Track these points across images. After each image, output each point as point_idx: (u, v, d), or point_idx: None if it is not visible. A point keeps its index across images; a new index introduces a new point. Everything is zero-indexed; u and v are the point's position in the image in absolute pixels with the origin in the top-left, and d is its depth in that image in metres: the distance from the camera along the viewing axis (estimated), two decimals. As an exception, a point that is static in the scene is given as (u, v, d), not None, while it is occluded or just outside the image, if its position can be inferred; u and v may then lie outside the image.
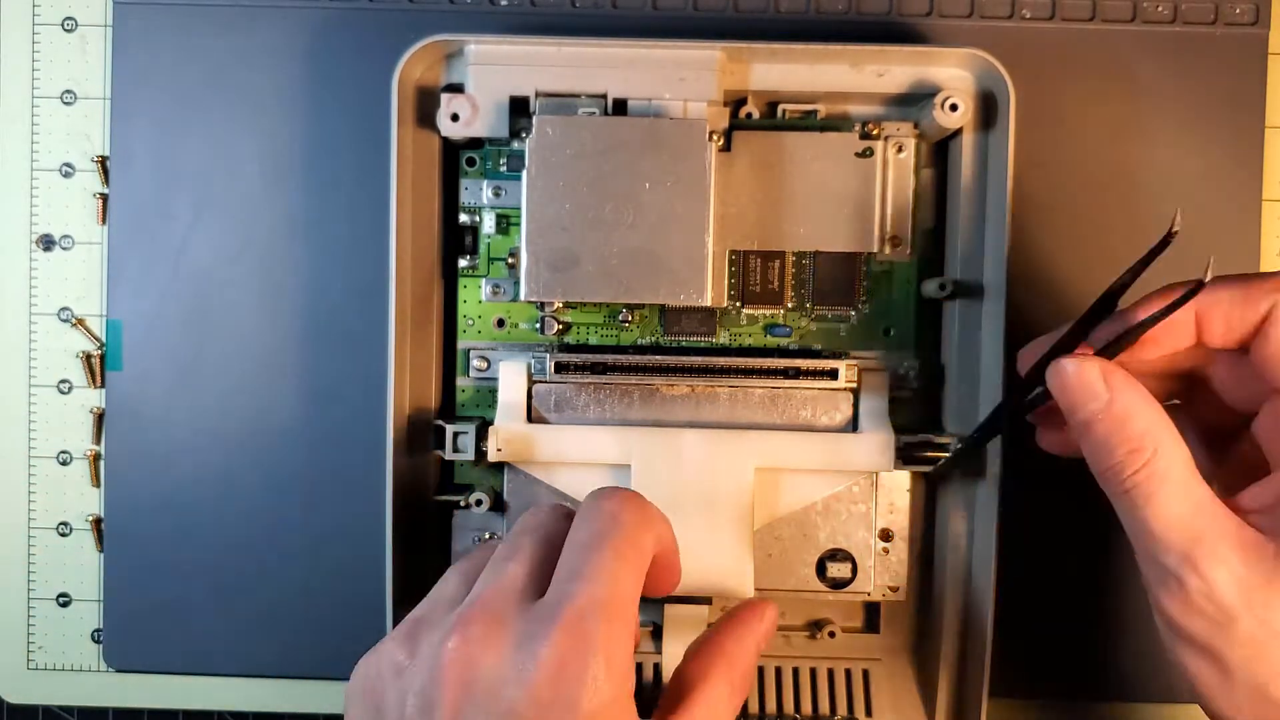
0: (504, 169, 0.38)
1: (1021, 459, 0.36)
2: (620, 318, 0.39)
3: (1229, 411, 0.31)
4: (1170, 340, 0.29)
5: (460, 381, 0.39)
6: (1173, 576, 0.27)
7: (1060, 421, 0.31)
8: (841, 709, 0.40)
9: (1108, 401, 0.28)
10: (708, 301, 0.35)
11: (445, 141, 0.38)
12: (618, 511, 0.29)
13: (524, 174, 0.35)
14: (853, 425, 0.37)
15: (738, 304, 0.39)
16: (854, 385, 0.37)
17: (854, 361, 0.38)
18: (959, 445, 0.36)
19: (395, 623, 0.36)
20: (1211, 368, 0.31)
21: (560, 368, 0.37)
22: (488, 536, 0.38)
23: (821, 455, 0.36)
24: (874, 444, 0.36)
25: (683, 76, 0.36)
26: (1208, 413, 0.32)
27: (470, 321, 0.39)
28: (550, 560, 0.29)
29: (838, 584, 0.38)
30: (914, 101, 0.38)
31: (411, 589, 0.38)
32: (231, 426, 0.40)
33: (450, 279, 0.39)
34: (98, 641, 0.42)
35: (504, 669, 0.26)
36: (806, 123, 0.39)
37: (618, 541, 0.28)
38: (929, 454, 0.37)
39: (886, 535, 0.38)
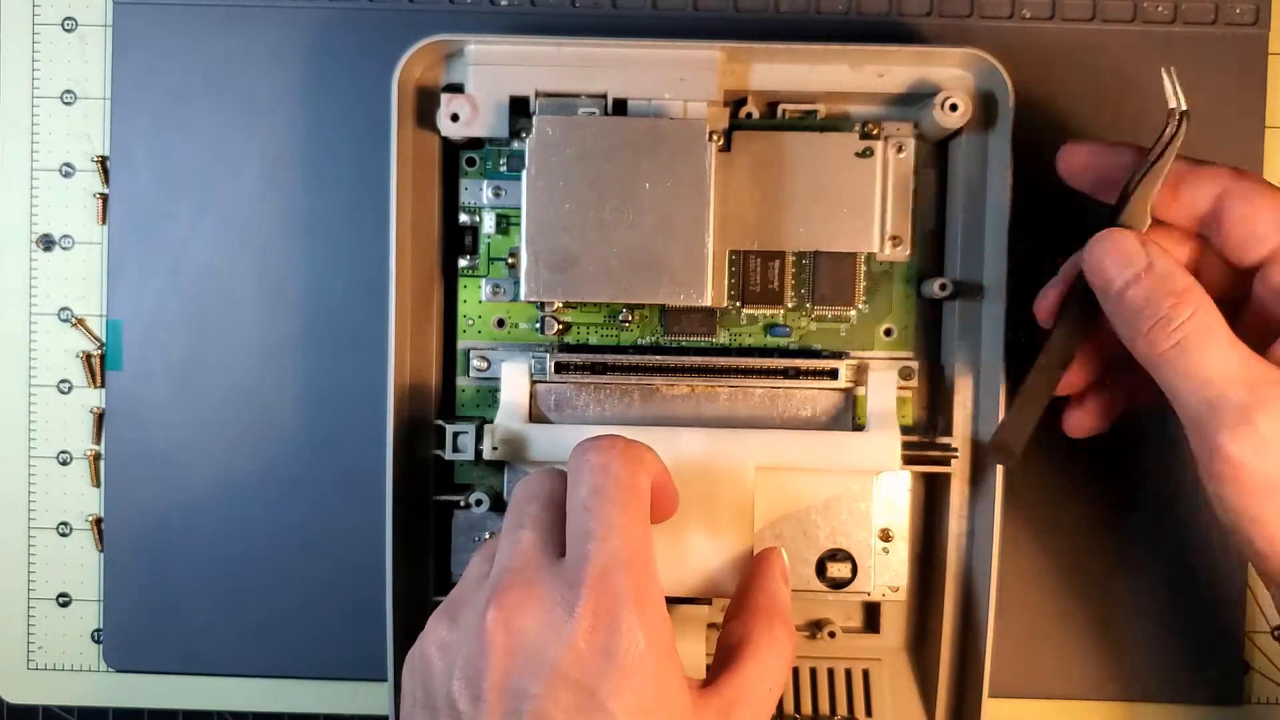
0: (504, 169, 0.38)
1: (1022, 458, 0.35)
2: (620, 318, 0.39)
3: (1237, 273, 0.31)
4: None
5: (460, 381, 0.39)
6: (1239, 423, 0.28)
7: (1088, 398, 0.34)
8: (841, 709, 0.40)
9: (1148, 263, 0.30)
10: (708, 301, 0.35)
11: (445, 141, 0.38)
12: (607, 462, 0.30)
13: (524, 174, 0.35)
14: (855, 425, 0.37)
15: (738, 304, 0.39)
16: (853, 385, 0.37)
17: (854, 361, 0.38)
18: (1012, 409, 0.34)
19: (395, 622, 0.36)
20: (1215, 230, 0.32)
21: (560, 368, 0.37)
22: (487, 536, 0.38)
23: (826, 455, 0.36)
24: (881, 444, 0.36)
25: (683, 76, 0.36)
26: (1218, 277, 0.32)
27: (470, 321, 0.39)
28: (558, 521, 0.30)
29: (838, 584, 0.38)
30: (914, 101, 0.38)
31: (412, 589, 0.38)
32: (231, 426, 0.40)
33: (450, 279, 0.39)
34: (98, 641, 0.42)
35: (543, 630, 0.27)
36: (806, 123, 0.38)
37: (616, 492, 0.29)
38: (931, 454, 0.37)
39: (886, 535, 0.38)
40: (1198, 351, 0.28)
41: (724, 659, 0.31)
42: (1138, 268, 0.30)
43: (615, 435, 0.31)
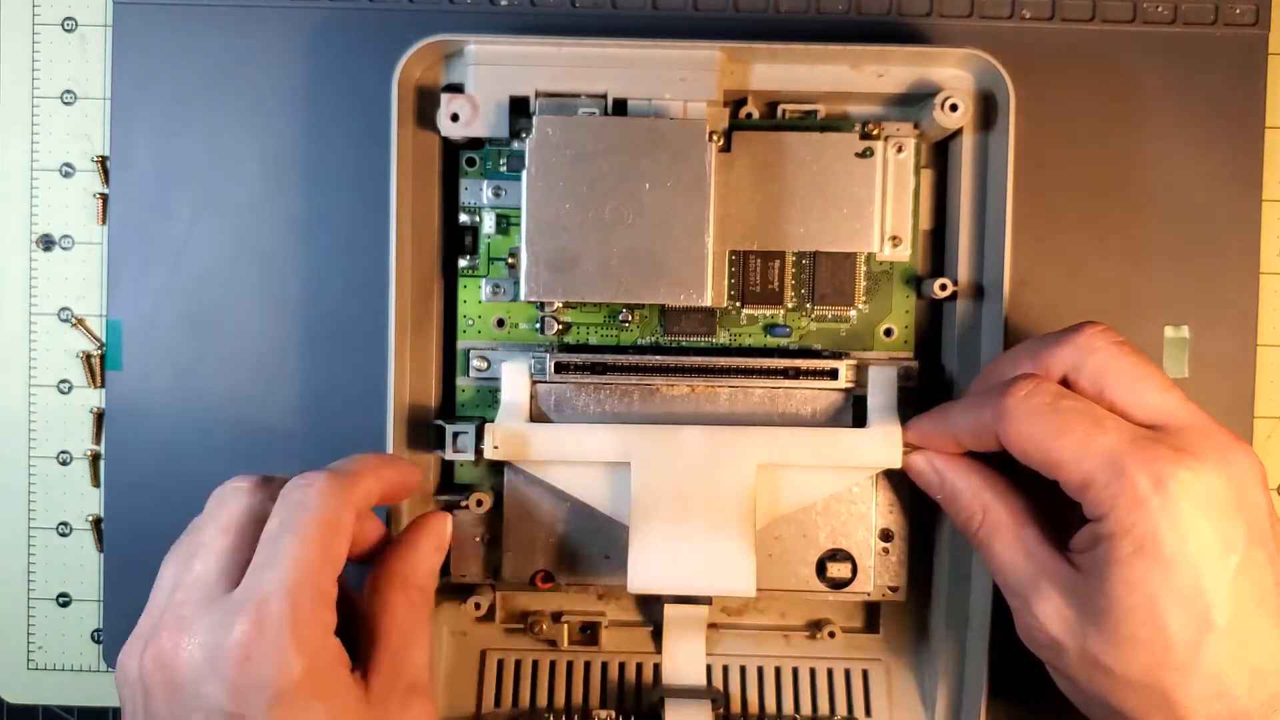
0: (504, 169, 0.38)
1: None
2: (620, 318, 0.39)
3: None
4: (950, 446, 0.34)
5: (460, 381, 0.39)
6: (1016, 612, 0.32)
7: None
8: (841, 709, 0.40)
9: (940, 484, 0.34)
10: (708, 301, 0.35)
11: (445, 141, 0.38)
12: (304, 499, 0.30)
13: (524, 174, 0.35)
14: (855, 421, 0.37)
15: (738, 304, 0.39)
16: (852, 385, 0.37)
17: (854, 361, 0.37)
18: None
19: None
20: None
21: (560, 368, 0.37)
22: (487, 536, 0.38)
23: (828, 452, 0.36)
24: (882, 439, 0.36)
25: (683, 76, 0.36)
26: None
27: (470, 321, 0.39)
28: (235, 547, 0.30)
29: (838, 584, 0.38)
30: (914, 101, 0.38)
31: (411, 589, 0.37)
32: (231, 426, 0.40)
33: (450, 279, 0.39)
34: (98, 641, 0.42)
35: (199, 666, 0.28)
36: (806, 123, 0.38)
37: (304, 526, 0.30)
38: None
39: (886, 535, 0.38)
40: (987, 553, 0.33)
41: (369, 636, 0.32)
42: (935, 488, 0.34)
43: (321, 472, 0.31)
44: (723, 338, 0.39)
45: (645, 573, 0.35)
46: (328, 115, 0.40)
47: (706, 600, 0.39)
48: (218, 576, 0.30)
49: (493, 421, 0.37)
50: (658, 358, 0.37)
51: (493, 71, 0.37)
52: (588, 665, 0.40)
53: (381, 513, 0.36)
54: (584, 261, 0.35)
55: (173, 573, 0.31)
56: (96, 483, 0.42)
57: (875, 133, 0.38)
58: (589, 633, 0.41)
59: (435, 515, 0.35)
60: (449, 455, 0.37)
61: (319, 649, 0.29)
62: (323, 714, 0.29)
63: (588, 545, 0.38)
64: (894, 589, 0.38)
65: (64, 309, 0.42)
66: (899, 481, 0.38)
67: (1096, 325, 0.32)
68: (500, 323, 0.39)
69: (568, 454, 0.36)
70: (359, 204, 0.40)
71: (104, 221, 0.41)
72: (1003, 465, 0.33)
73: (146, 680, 0.29)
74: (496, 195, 0.38)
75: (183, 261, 0.40)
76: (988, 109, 0.37)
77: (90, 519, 0.42)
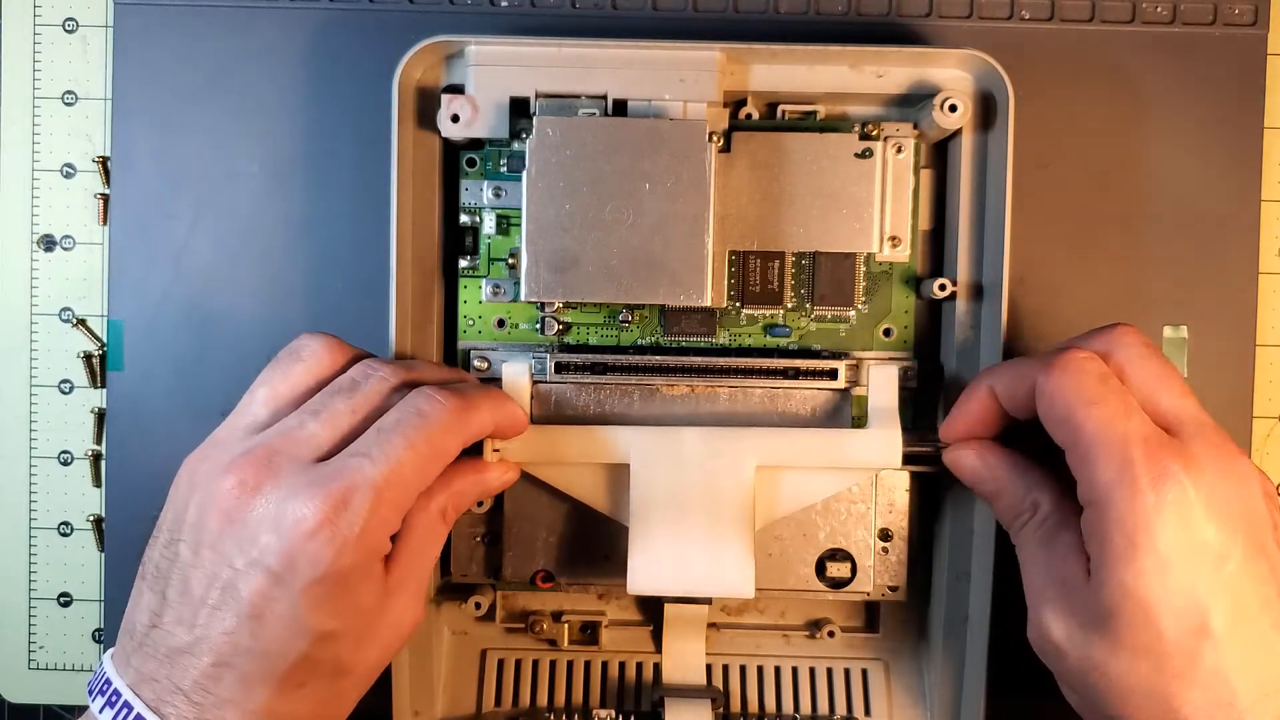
0: (504, 170, 0.38)
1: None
2: (620, 318, 0.39)
3: None
4: (982, 424, 0.34)
5: (460, 382, 0.39)
6: (1029, 613, 0.32)
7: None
8: (841, 709, 0.40)
9: (990, 477, 0.34)
10: (708, 302, 0.35)
11: (446, 142, 0.38)
12: (429, 414, 0.31)
13: (524, 175, 0.35)
14: (854, 422, 0.37)
15: (737, 304, 0.39)
16: (852, 385, 0.37)
17: (853, 361, 0.38)
18: None
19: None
20: None
21: (560, 368, 0.37)
22: (487, 536, 0.38)
23: (827, 453, 0.36)
24: (883, 441, 0.36)
25: (682, 77, 0.36)
26: None
27: (470, 322, 0.39)
28: (351, 428, 0.31)
29: (837, 584, 0.38)
30: (913, 102, 0.38)
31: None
32: (232, 426, 0.40)
33: (450, 279, 0.39)
34: (99, 641, 0.42)
35: (266, 516, 0.29)
36: (806, 123, 0.39)
37: (416, 439, 0.30)
38: (930, 453, 0.37)
39: (886, 535, 0.38)
40: (1026, 548, 0.32)
41: (404, 532, 0.32)
42: (982, 483, 0.34)
43: (452, 394, 0.32)
44: (723, 338, 0.39)
45: (645, 574, 0.35)
46: (328, 115, 0.40)
47: (706, 600, 0.39)
48: (324, 442, 0.31)
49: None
50: (658, 358, 0.37)
51: (493, 72, 0.37)
52: (588, 665, 0.40)
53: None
54: (584, 262, 0.35)
55: (270, 397, 0.32)
56: (98, 482, 0.42)
57: (874, 133, 0.38)
58: (589, 632, 0.41)
59: (510, 466, 0.36)
60: (449, 455, 0.37)
61: (374, 547, 0.30)
62: (349, 601, 0.30)
63: (588, 545, 0.38)
64: (893, 589, 0.38)
65: (65, 309, 0.42)
66: (898, 482, 0.38)
67: (1129, 326, 0.32)
68: (501, 323, 0.39)
69: (568, 455, 0.36)
70: (359, 204, 0.40)
71: (105, 222, 0.41)
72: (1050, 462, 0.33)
73: (214, 494, 0.30)
74: (497, 196, 0.39)
75: (183, 261, 0.40)
76: (987, 109, 0.37)
77: (91, 519, 0.42)
